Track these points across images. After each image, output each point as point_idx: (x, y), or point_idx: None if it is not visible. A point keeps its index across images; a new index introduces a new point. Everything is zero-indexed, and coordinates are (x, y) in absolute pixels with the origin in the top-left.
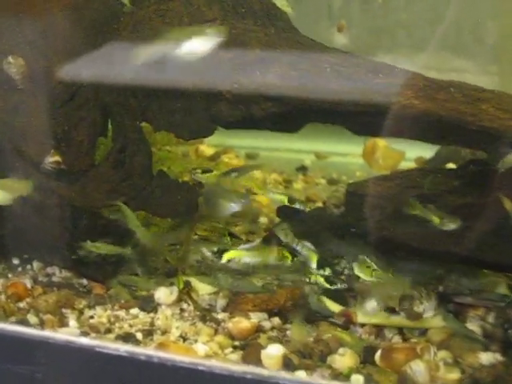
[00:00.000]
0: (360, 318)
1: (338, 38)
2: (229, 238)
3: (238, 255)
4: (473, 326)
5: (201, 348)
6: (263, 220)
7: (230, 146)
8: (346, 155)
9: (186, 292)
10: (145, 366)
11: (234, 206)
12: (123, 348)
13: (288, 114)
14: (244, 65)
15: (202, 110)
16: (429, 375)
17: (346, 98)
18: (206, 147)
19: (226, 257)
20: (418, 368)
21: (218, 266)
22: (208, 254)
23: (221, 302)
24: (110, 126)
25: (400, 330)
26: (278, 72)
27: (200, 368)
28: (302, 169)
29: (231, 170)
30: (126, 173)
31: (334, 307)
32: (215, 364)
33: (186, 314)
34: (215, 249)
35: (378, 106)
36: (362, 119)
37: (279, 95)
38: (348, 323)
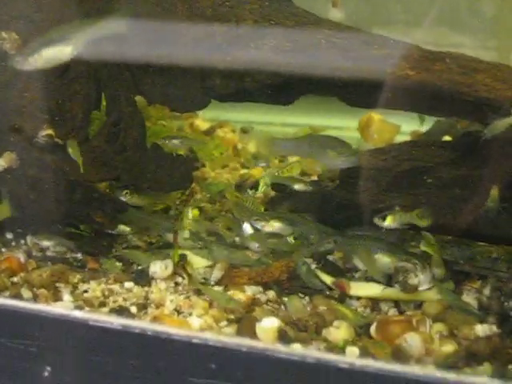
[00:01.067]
0: (353, 289)
1: (334, 12)
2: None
3: None
4: (469, 298)
5: (195, 321)
6: (258, 194)
7: (224, 120)
8: (342, 129)
9: (182, 266)
10: (139, 339)
11: (343, 161)
12: (117, 321)
13: (282, 87)
14: (238, 37)
15: (195, 83)
16: (424, 348)
17: (340, 69)
18: (201, 121)
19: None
20: (413, 341)
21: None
22: None
23: (216, 275)
24: (103, 100)
25: (396, 303)
26: (272, 44)
27: (194, 341)
28: None
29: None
30: (120, 146)
31: (327, 279)
32: (210, 337)
33: (180, 288)
34: None
35: (373, 77)
36: (357, 91)
37: (273, 67)
38: (343, 294)
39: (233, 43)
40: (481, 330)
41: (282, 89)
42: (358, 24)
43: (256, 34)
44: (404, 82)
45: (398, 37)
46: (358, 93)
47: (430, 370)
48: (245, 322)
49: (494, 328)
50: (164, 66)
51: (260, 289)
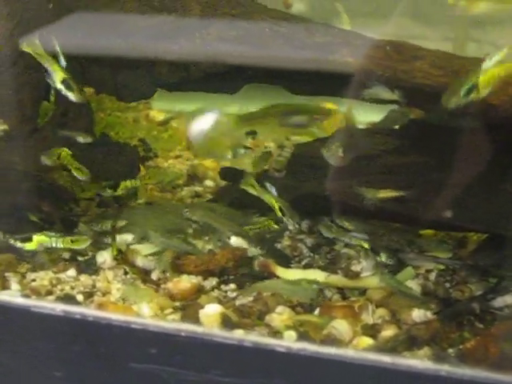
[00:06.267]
0: (298, 276)
1: (296, 5)
2: None
3: (43, 241)
4: (414, 284)
5: (140, 309)
6: (209, 183)
7: (179, 111)
8: None
9: (121, 258)
10: (80, 324)
11: None
12: (59, 307)
13: (226, 75)
14: (184, 27)
15: (142, 72)
16: (352, 332)
17: (283, 57)
18: (157, 113)
19: (34, 244)
20: (341, 327)
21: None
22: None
23: (162, 264)
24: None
25: (340, 290)
26: (216, 33)
27: (134, 326)
28: (252, 133)
29: None
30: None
31: None
32: (149, 322)
33: (127, 276)
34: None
35: (315, 65)
36: (299, 79)
37: (217, 56)
38: (269, 274)
39: (179, 33)
40: (421, 314)
41: (226, 77)
42: (321, 16)
43: (201, 24)
44: (344, 69)
45: (358, 28)
46: (300, 80)
47: (364, 353)
48: (189, 309)
49: (435, 313)
50: (111, 56)
51: (206, 276)
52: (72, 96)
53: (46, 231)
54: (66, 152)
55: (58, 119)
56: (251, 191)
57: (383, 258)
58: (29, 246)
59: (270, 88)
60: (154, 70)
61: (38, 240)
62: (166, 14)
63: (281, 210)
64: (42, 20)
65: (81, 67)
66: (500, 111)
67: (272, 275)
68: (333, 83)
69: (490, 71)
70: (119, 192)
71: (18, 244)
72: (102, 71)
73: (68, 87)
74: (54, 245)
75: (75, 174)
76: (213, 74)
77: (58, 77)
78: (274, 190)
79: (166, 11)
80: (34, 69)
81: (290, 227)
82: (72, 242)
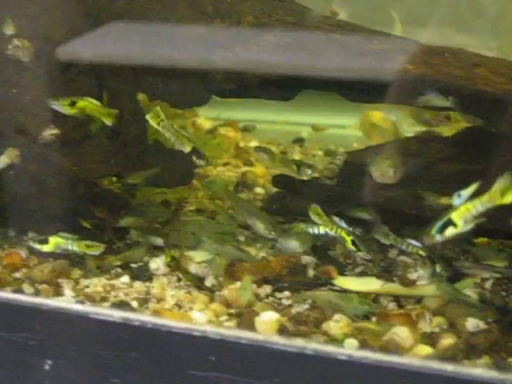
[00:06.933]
0: (353, 285)
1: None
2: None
3: (59, 243)
4: (470, 293)
5: (196, 315)
6: (259, 190)
7: (227, 119)
8: (344, 127)
9: (175, 265)
10: (139, 331)
11: None
12: (117, 314)
13: (281, 82)
14: (238, 34)
15: (196, 79)
16: (412, 340)
17: (339, 64)
18: (203, 120)
19: (50, 246)
20: (402, 333)
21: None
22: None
23: (216, 271)
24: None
25: (396, 298)
26: (272, 40)
27: (194, 333)
28: (299, 140)
29: None
30: (121, 143)
31: None
32: (209, 329)
33: (181, 283)
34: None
35: (372, 72)
36: (356, 86)
37: (273, 63)
38: (328, 280)
39: (234, 39)
40: (480, 323)
41: (281, 84)
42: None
43: (255, 32)
44: (403, 76)
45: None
46: (357, 88)
47: (427, 361)
48: (245, 316)
49: (495, 322)
50: (165, 63)
51: (261, 283)
52: (202, 162)
53: (63, 234)
54: (88, 102)
55: (110, 126)
56: (316, 219)
57: (438, 269)
58: (45, 248)
59: (325, 95)
60: (208, 77)
61: (54, 242)
62: (219, 20)
63: (354, 243)
64: (93, 27)
65: (134, 74)
66: None
67: (328, 283)
68: (389, 90)
69: (462, 207)
70: None
71: (36, 245)
72: (155, 78)
73: (199, 156)
74: (69, 247)
75: (104, 120)
76: (268, 81)
77: (186, 146)
78: (343, 223)
79: (220, 18)
80: (86, 75)
81: (364, 257)
82: (87, 246)
